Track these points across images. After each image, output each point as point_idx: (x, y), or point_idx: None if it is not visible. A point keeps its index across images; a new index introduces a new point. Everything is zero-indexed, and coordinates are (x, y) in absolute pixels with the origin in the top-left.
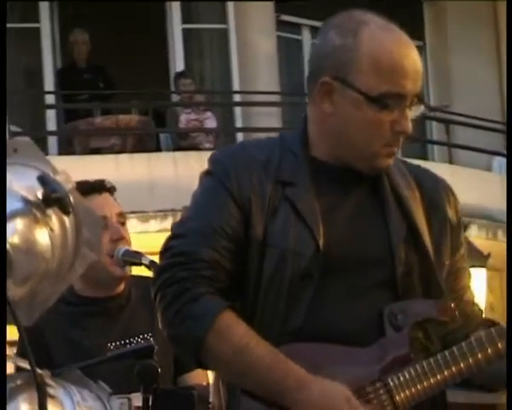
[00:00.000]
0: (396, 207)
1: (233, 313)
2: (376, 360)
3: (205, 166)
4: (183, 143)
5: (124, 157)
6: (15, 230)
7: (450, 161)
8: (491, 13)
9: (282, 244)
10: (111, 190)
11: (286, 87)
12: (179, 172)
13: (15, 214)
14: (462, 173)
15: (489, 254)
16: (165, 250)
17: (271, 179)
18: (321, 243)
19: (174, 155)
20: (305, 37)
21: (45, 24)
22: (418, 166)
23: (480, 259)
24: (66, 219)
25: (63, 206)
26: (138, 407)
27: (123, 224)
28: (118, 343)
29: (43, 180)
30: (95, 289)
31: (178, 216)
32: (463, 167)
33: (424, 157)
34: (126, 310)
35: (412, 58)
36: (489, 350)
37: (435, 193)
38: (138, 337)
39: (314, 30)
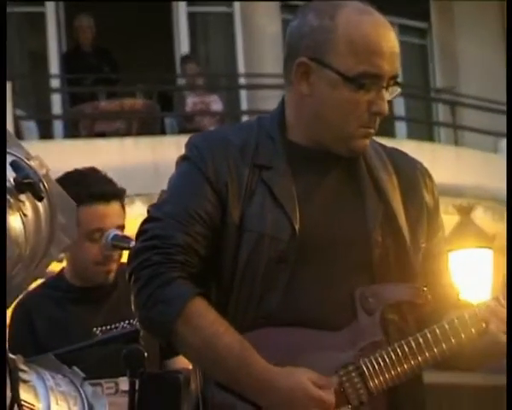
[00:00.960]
0: (372, 190)
1: (204, 299)
2: (349, 345)
3: None
4: (188, 126)
5: (129, 141)
6: None
7: (456, 143)
8: None
9: (258, 228)
10: (121, 197)
11: None
12: None
13: None
14: (468, 155)
15: (494, 236)
16: (141, 233)
17: (248, 163)
18: (297, 227)
19: (179, 138)
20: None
21: (50, 8)
22: (395, 149)
23: (486, 240)
24: (40, 205)
25: (36, 191)
26: (125, 391)
27: None
28: (103, 328)
29: (15, 165)
30: (82, 281)
31: None
32: (469, 149)
33: (430, 139)
34: (113, 296)
35: (389, 40)
36: (462, 335)
37: (412, 176)
38: (124, 322)
39: None
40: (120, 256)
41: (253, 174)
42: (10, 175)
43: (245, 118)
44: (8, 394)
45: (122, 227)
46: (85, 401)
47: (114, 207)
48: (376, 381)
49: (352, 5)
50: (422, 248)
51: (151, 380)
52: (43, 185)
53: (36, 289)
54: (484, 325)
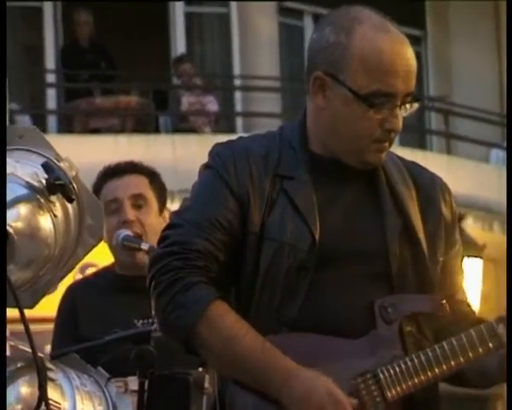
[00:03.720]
0: (392, 203)
1: (224, 302)
2: (367, 353)
3: (203, 149)
4: (183, 125)
5: (123, 138)
6: (19, 215)
7: (449, 152)
8: (493, 4)
9: (279, 237)
10: (139, 170)
11: (287, 73)
12: (178, 155)
13: (19, 200)
14: (460, 164)
15: (484, 245)
16: (162, 239)
17: (270, 173)
18: (317, 236)
19: (173, 137)
20: (307, 24)
21: (48, 2)
22: (415, 164)
23: (476, 249)
24: (70, 206)
25: (66, 193)
26: (134, 391)
27: (139, 207)
28: (144, 321)
29: (47, 167)
30: (125, 270)
31: (176, 198)
32: (461, 158)
33: (422, 147)
34: None
35: (405, 58)
36: (480, 349)
37: (431, 190)
38: None
39: (316, 17)
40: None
41: (274, 184)
42: (42, 176)
43: (239, 120)
44: (35, 391)
45: (139, 196)
46: (110, 400)
47: (128, 178)
48: (393, 390)
49: (369, 20)
50: (440, 261)
51: (160, 380)
52: (73, 187)
53: (84, 278)
54: (501, 339)
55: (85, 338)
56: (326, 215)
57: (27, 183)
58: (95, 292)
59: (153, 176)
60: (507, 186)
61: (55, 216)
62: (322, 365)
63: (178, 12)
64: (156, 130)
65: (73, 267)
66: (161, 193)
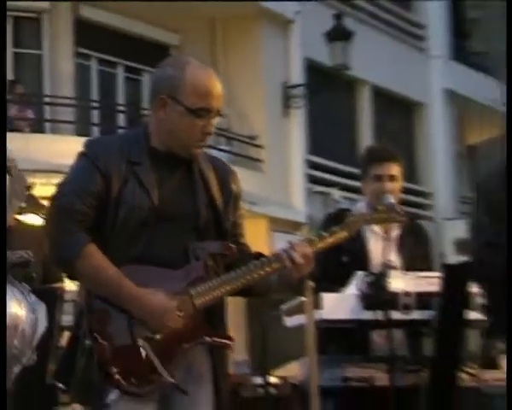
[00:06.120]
0: (202, 182)
1: (94, 245)
2: (183, 278)
3: (24, 144)
4: (9, 126)
5: None
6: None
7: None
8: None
9: (130, 202)
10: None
11: (79, 95)
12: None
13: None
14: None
15: None
16: (52, 200)
17: (125, 159)
18: (155, 202)
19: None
20: (93, 64)
21: None
22: (216, 158)
23: None
24: (8, 177)
25: (9, 170)
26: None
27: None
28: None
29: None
30: None
31: None
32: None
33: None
34: None
35: (217, 87)
36: (260, 272)
37: (225, 174)
38: None
39: (101, 60)
40: None
41: (127, 167)
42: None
43: (48, 124)
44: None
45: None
46: (31, 305)
47: None
48: (201, 300)
49: (194, 62)
50: (231, 219)
51: (38, 293)
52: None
53: None
54: (280, 264)
55: None
56: (162, 189)
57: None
58: None
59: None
60: (507, 184)
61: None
62: (155, 285)
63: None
64: None
65: (12, 213)
66: None
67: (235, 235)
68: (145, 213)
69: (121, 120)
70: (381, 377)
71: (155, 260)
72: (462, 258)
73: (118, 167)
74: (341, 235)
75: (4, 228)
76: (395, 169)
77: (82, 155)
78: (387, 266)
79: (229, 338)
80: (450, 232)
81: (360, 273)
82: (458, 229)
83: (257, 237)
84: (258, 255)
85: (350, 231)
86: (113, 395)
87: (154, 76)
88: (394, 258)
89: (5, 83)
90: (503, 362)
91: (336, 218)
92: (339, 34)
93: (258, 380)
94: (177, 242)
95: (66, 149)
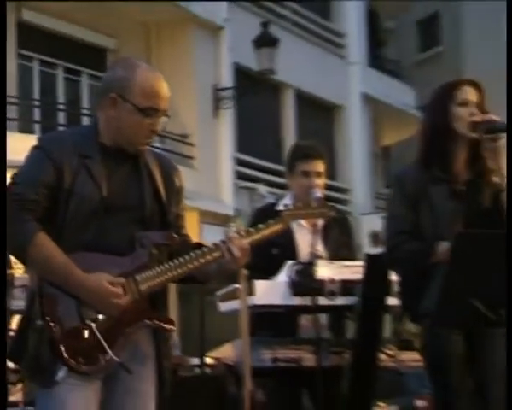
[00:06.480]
0: (147, 176)
1: (45, 233)
2: (129, 265)
3: None
4: None
5: None
6: None
7: None
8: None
9: (81, 192)
10: None
11: (22, 94)
12: None
13: None
14: None
15: None
16: (9, 189)
17: (76, 154)
18: (104, 193)
19: None
20: (35, 65)
21: None
22: (159, 154)
23: None
24: None
25: None
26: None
27: None
28: None
29: None
30: None
31: None
32: None
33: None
34: None
35: (164, 88)
36: (201, 260)
37: (169, 170)
38: None
39: (42, 61)
40: None
41: (78, 160)
42: None
43: None
44: None
45: None
46: None
47: None
48: (145, 285)
49: (143, 65)
50: (174, 211)
51: None
52: None
53: None
54: (218, 254)
55: None
56: (110, 181)
57: None
58: None
59: None
60: (507, 185)
61: None
62: (103, 271)
63: None
64: None
65: None
66: None
67: (178, 226)
68: (95, 204)
69: (61, 117)
70: (308, 358)
71: (104, 247)
72: (377, 249)
73: (70, 160)
74: (277, 227)
75: (4, 230)
76: (321, 166)
77: (36, 149)
78: (314, 256)
79: (171, 322)
80: (366, 226)
81: (289, 263)
82: (374, 223)
83: (189, 229)
84: (198, 245)
85: (285, 223)
86: (61, 373)
87: (105, 76)
88: (320, 248)
89: (5, 83)
90: (417, 344)
91: (265, 212)
92: (265, 41)
93: (195, 361)
94: (124, 231)
95: (9, 145)
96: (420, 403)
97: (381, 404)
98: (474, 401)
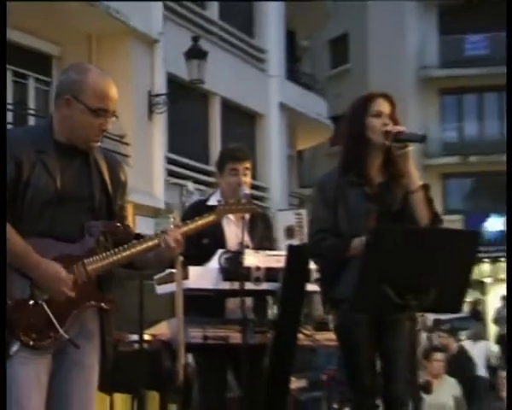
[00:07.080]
0: (96, 170)
1: (8, 223)
2: (79, 250)
3: None
4: None
5: None
6: None
7: None
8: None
9: (37, 184)
10: None
11: None
12: None
13: None
14: None
15: None
16: None
17: (33, 149)
18: (58, 185)
19: None
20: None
21: None
22: (107, 150)
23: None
24: None
25: None
26: None
27: None
28: None
29: None
30: None
31: None
32: None
33: None
34: None
35: (114, 90)
36: (143, 246)
37: (115, 165)
38: None
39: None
40: None
41: (35, 155)
42: None
43: None
44: None
45: None
46: None
47: None
48: (93, 266)
49: (95, 69)
50: (119, 204)
51: None
52: None
53: None
54: (155, 243)
55: None
56: (63, 175)
57: None
58: None
59: None
60: (507, 189)
61: None
62: (53, 257)
63: None
64: None
65: None
66: None
67: (122, 217)
68: (49, 196)
69: (9, 117)
70: (235, 337)
71: (57, 235)
72: (292, 242)
73: (27, 155)
74: (211, 218)
75: (4, 225)
76: (247, 166)
77: None
78: (242, 246)
79: (113, 302)
80: (282, 221)
81: (220, 251)
82: (288, 218)
83: None
84: (138, 236)
85: (219, 216)
86: (15, 347)
87: (60, 79)
88: (247, 239)
89: (5, 84)
90: (331, 326)
91: (197, 208)
92: (195, 54)
93: (134, 337)
94: (75, 220)
95: None
96: (325, 377)
97: (292, 378)
98: (378, 378)
